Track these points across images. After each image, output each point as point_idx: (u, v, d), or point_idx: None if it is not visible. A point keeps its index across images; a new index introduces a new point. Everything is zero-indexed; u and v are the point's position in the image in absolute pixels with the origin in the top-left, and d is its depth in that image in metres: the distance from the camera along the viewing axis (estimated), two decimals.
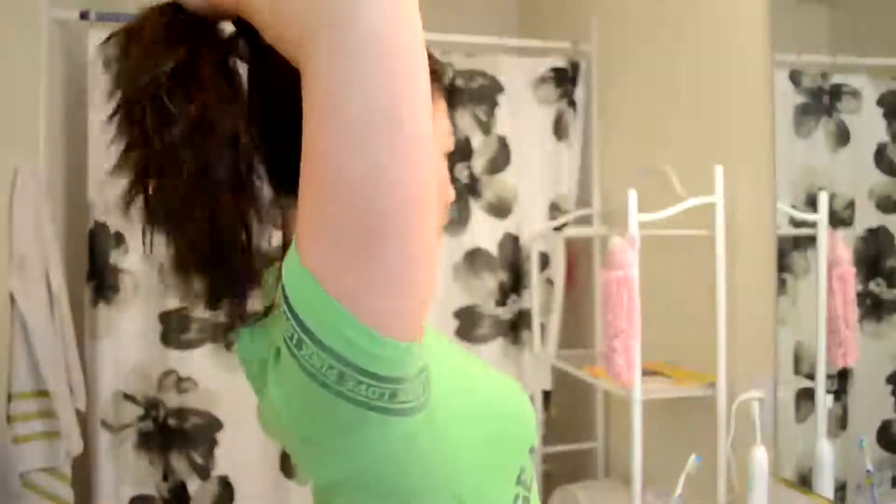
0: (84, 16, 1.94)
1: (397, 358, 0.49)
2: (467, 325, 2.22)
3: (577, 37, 2.30)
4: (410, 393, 0.52)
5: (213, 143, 0.53)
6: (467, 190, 2.22)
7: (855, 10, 1.36)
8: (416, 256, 0.48)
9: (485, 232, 2.23)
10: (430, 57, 0.66)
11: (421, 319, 0.51)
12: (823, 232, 1.37)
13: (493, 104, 2.24)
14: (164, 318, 1.98)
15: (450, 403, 0.59)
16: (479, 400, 0.65)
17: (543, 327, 2.24)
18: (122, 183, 0.61)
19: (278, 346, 0.53)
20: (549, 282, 2.29)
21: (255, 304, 0.64)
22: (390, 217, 0.46)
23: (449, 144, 0.73)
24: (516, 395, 0.71)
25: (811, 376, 1.41)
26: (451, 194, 0.75)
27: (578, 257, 2.34)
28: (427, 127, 0.47)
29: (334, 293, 0.47)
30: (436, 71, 0.67)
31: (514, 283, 2.27)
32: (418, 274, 0.48)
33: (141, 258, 1.97)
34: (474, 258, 2.23)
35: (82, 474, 1.95)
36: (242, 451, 1.99)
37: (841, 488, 1.34)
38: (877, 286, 1.30)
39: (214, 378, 1.99)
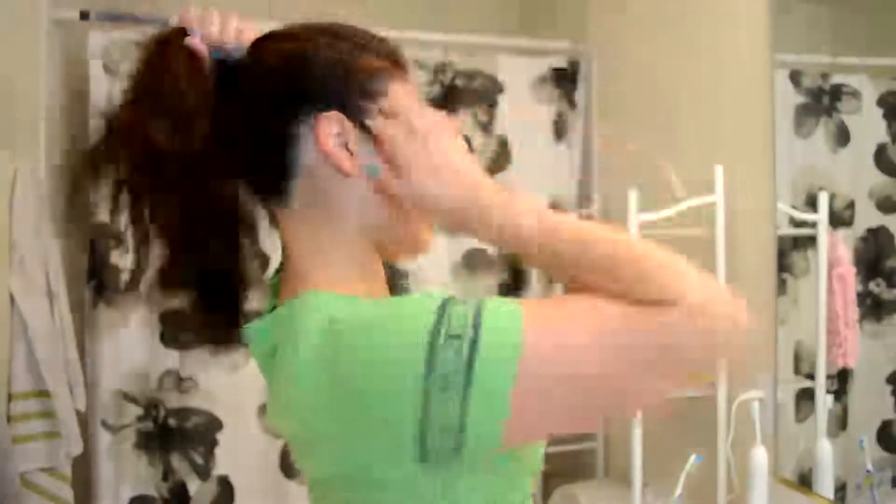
0: (84, 16, 1.93)
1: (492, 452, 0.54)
2: None
3: (577, 37, 2.29)
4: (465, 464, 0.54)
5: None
6: None
7: (855, 10, 1.36)
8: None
9: None
10: (389, 44, 0.67)
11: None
12: (823, 232, 1.37)
13: (493, 104, 2.23)
14: (164, 318, 1.98)
15: None
16: None
17: None
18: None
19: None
20: (550, 282, 2.29)
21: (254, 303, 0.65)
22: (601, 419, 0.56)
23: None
24: None
25: (811, 376, 1.41)
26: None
27: None
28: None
29: (514, 413, 0.50)
30: (398, 57, 0.68)
31: (514, 283, 2.27)
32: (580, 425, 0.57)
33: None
34: (474, 258, 2.23)
35: (82, 474, 1.95)
36: (242, 451, 1.99)
37: (841, 488, 1.34)
38: (877, 286, 1.30)
39: (214, 378, 1.99)
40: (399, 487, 0.54)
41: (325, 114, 0.60)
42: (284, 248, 0.67)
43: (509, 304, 0.53)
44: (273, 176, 0.63)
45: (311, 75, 0.62)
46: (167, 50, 0.61)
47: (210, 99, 0.61)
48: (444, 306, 0.52)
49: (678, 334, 0.54)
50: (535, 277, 2.22)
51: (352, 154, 0.61)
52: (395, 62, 0.66)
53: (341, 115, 0.61)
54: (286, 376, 0.58)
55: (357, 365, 0.53)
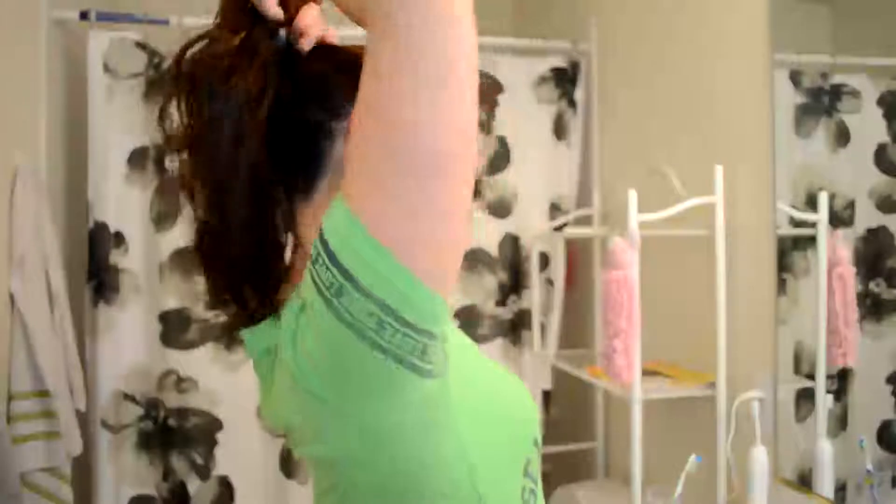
0: (84, 16, 1.94)
1: (430, 309, 0.52)
2: (467, 324, 2.22)
3: (577, 37, 2.30)
4: (436, 354, 0.54)
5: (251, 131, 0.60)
6: None
7: (855, 10, 1.36)
8: (458, 204, 0.52)
9: (485, 232, 2.23)
10: None
11: (453, 275, 0.54)
12: (823, 232, 1.37)
13: (493, 104, 2.24)
14: (164, 318, 1.98)
15: (462, 396, 0.60)
16: (486, 386, 0.67)
17: (543, 327, 2.24)
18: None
19: (303, 302, 0.55)
20: (549, 282, 2.29)
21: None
22: (443, 158, 0.50)
23: None
24: (519, 388, 0.72)
25: (811, 376, 1.41)
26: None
27: (578, 257, 2.34)
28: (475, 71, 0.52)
29: (383, 238, 0.50)
30: None
31: (514, 283, 2.27)
32: (458, 223, 0.52)
33: (141, 258, 1.97)
34: (474, 258, 2.23)
35: (82, 474, 1.95)
36: (242, 451, 1.99)
37: (841, 488, 1.34)
38: (877, 286, 1.30)
39: (214, 378, 1.99)
40: (404, 417, 0.56)
41: None
42: (299, 244, 0.67)
43: (336, 200, 0.54)
44: (305, 165, 0.64)
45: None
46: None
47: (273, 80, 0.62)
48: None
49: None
50: (535, 277, 2.22)
51: None
52: None
53: None
54: (287, 357, 0.58)
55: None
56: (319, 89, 0.64)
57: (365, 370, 0.52)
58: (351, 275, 0.50)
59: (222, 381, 1.99)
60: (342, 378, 0.54)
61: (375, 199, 0.50)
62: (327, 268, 0.51)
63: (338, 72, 0.65)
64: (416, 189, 0.50)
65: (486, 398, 0.64)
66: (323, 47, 0.67)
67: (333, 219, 0.52)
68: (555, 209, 2.31)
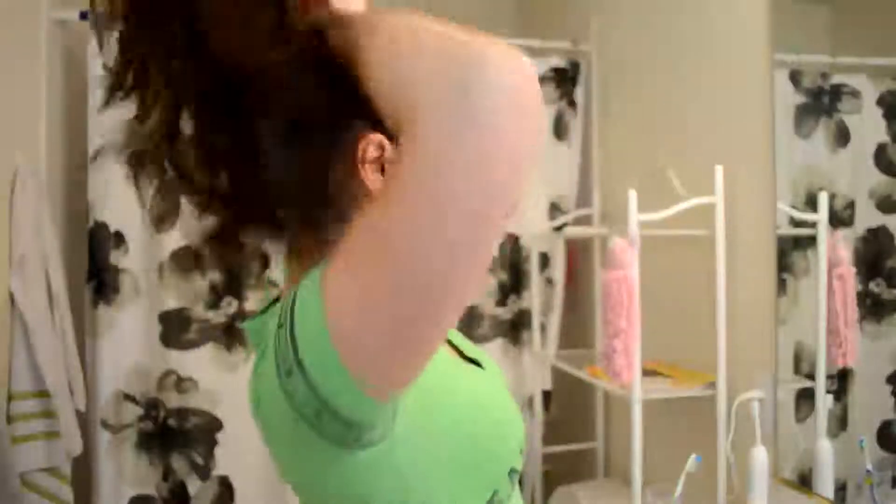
0: (84, 16, 1.94)
1: (375, 412, 0.50)
2: (467, 324, 2.22)
3: (577, 37, 2.30)
4: (380, 430, 0.52)
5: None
6: None
7: (855, 10, 1.36)
8: (435, 341, 0.49)
9: None
10: None
11: (408, 384, 0.51)
12: (823, 232, 1.37)
13: None
14: (164, 318, 1.98)
15: (413, 430, 0.57)
16: (451, 427, 0.60)
17: (543, 327, 2.24)
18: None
19: (265, 348, 0.54)
20: (549, 282, 2.29)
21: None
22: (438, 305, 0.47)
23: None
24: (502, 420, 0.66)
25: (811, 376, 1.41)
26: None
27: (578, 257, 2.34)
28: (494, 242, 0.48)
29: (344, 359, 0.47)
30: None
31: (514, 283, 2.27)
32: (430, 353, 0.49)
33: (141, 258, 1.97)
34: None
35: (82, 474, 1.95)
36: (242, 451, 1.99)
37: (841, 488, 1.34)
38: (877, 286, 1.30)
39: (214, 378, 1.99)
40: (356, 477, 0.54)
41: (367, 136, 0.56)
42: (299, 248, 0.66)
43: (315, 279, 0.50)
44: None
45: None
46: None
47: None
48: (286, 298, 0.52)
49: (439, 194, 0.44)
50: (535, 277, 2.22)
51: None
52: None
53: (383, 140, 0.57)
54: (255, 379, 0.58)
55: None
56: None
57: (302, 438, 0.52)
58: (303, 364, 0.48)
59: (222, 381, 1.99)
60: (284, 434, 0.54)
61: (349, 302, 0.47)
62: (287, 340, 0.49)
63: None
64: (392, 317, 0.47)
65: (447, 432, 0.59)
66: None
67: (307, 292, 0.49)
68: (555, 209, 2.31)
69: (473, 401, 0.64)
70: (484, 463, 0.62)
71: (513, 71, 0.46)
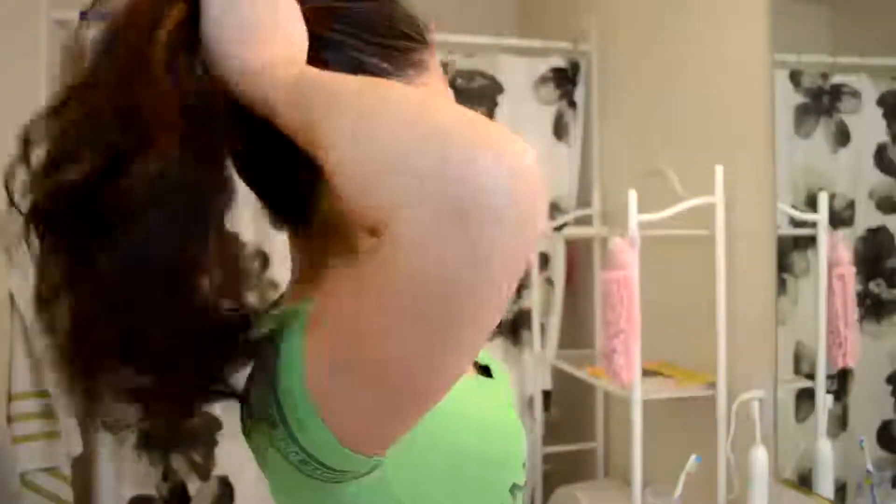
0: (84, 16, 1.94)
1: (364, 464, 0.49)
2: None
3: (577, 37, 2.30)
4: (360, 472, 0.51)
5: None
6: None
7: (855, 10, 1.36)
8: (420, 412, 0.47)
9: None
10: (409, 27, 0.58)
11: (396, 437, 0.49)
12: (823, 232, 1.37)
13: (493, 104, 2.24)
14: None
15: (402, 459, 0.55)
16: (442, 452, 0.58)
17: (543, 327, 2.24)
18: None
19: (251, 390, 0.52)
20: (549, 282, 2.29)
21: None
22: (414, 400, 0.45)
23: None
24: (504, 435, 0.64)
25: (811, 376, 1.41)
26: None
27: (578, 257, 2.34)
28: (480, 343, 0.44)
29: (327, 422, 0.45)
30: (419, 40, 0.59)
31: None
32: (414, 422, 0.47)
33: None
34: None
35: (82, 474, 1.95)
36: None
37: (841, 488, 1.34)
38: (877, 286, 1.30)
39: None
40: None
41: None
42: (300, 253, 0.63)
43: (299, 334, 0.47)
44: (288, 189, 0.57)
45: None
46: None
47: None
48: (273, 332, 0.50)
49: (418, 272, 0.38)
50: (535, 277, 2.22)
51: None
52: (419, 42, 0.58)
53: None
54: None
55: None
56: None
57: (290, 477, 0.51)
58: (287, 420, 0.47)
59: None
60: (271, 473, 0.53)
61: (327, 371, 0.45)
62: (268, 391, 0.48)
63: None
64: (372, 400, 0.44)
65: (445, 451, 0.58)
66: None
67: (288, 354, 0.47)
68: (555, 209, 2.31)
69: (477, 423, 0.61)
70: (486, 481, 0.61)
71: (514, 174, 0.38)
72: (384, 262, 0.38)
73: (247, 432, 0.56)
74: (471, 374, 0.69)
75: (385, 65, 0.54)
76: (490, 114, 2.23)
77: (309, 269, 0.59)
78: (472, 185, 0.36)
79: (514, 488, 0.63)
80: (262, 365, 0.50)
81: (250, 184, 0.56)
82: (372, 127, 0.39)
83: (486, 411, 0.63)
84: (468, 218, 0.36)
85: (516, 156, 0.39)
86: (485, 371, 0.74)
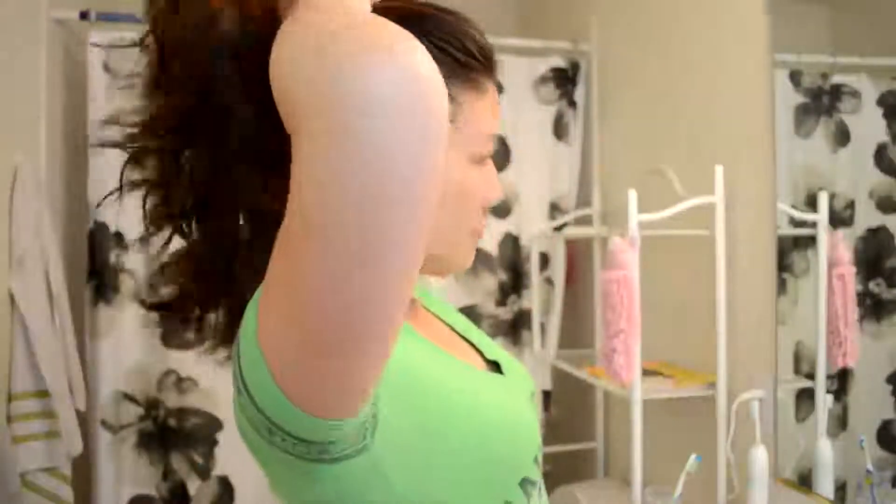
0: (84, 16, 1.94)
1: (326, 430, 0.47)
2: None
3: (577, 37, 2.30)
4: (344, 446, 0.49)
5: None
6: None
7: (855, 10, 1.36)
8: (371, 368, 0.45)
9: (485, 232, 2.23)
10: (475, 44, 0.63)
11: (364, 402, 0.48)
12: (823, 232, 1.37)
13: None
14: (164, 318, 1.98)
15: (415, 445, 0.55)
16: (452, 442, 0.59)
17: (543, 327, 2.24)
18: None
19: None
20: (549, 282, 2.29)
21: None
22: (351, 340, 0.43)
23: (486, 149, 0.66)
24: (514, 429, 0.64)
25: (811, 376, 1.41)
26: (482, 213, 0.70)
27: (578, 257, 2.34)
28: (415, 266, 0.43)
29: (276, 378, 0.45)
30: (480, 61, 0.63)
31: (514, 283, 2.27)
32: (366, 373, 0.46)
33: (141, 258, 1.97)
34: (475, 258, 2.22)
35: (82, 474, 1.95)
36: (242, 451, 1.95)
37: (841, 488, 1.34)
38: (877, 286, 1.30)
39: (214, 378, 1.99)
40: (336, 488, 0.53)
41: None
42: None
43: (254, 300, 0.48)
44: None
45: None
46: None
47: None
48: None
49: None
50: (535, 277, 2.22)
51: None
52: (480, 64, 0.63)
53: None
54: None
55: None
56: None
57: (271, 457, 0.51)
58: (245, 382, 0.47)
59: (222, 381, 1.99)
60: (258, 456, 0.53)
61: (278, 336, 0.44)
62: (235, 356, 0.48)
63: None
64: (303, 340, 0.43)
65: (451, 446, 0.58)
66: None
67: (247, 327, 0.47)
68: (555, 209, 2.31)
69: (486, 417, 0.62)
70: (493, 474, 0.61)
71: (402, 73, 0.38)
72: (295, 185, 0.40)
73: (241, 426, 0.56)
74: (480, 370, 0.70)
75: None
76: None
77: None
78: (359, 84, 0.37)
79: (524, 483, 0.63)
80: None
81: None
82: (288, 39, 0.42)
83: (491, 409, 0.63)
84: (354, 117, 0.37)
85: (404, 53, 0.39)
86: (495, 367, 0.74)
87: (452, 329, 0.75)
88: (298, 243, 0.41)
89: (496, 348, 0.77)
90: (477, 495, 0.59)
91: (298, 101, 0.40)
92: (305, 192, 0.40)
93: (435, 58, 0.47)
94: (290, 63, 0.41)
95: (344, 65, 0.38)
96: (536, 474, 0.65)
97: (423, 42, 0.43)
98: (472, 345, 0.75)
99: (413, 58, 0.39)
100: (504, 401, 0.66)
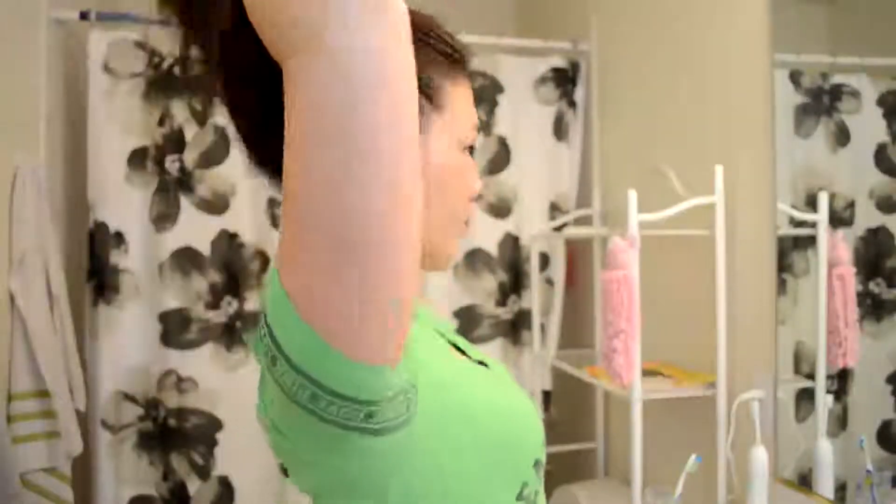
0: (84, 16, 1.94)
1: (370, 381, 0.47)
2: (467, 325, 2.22)
3: (577, 37, 2.30)
4: (389, 412, 0.50)
5: None
6: None
7: (855, 10, 1.36)
8: (390, 284, 0.46)
9: (485, 232, 2.23)
10: (451, 39, 0.68)
11: (398, 341, 0.48)
12: (823, 232, 1.37)
13: (493, 104, 2.24)
14: (164, 318, 1.98)
15: (442, 428, 0.57)
16: (475, 422, 0.62)
17: (543, 327, 2.24)
18: None
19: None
20: (549, 282, 2.29)
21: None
22: (364, 248, 0.44)
23: (470, 137, 0.70)
24: (519, 408, 0.68)
25: (811, 376, 1.41)
26: (470, 202, 0.71)
27: (578, 257, 2.34)
28: (411, 162, 0.45)
29: (306, 317, 0.45)
30: (456, 53, 0.69)
31: (514, 283, 2.27)
32: (393, 298, 0.46)
33: (141, 258, 1.97)
34: (474, 258, 2.23)
35: (82, 474, 1.95)
36: (242, 451, 1.99)
37: (841, 488, 1.34)
38: (877, 286, 1.30)
39: (214, 378, 1.99)
40: (362, 467, 0.53)
41: None
42: None
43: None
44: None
45: None
46: None
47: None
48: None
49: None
50: (535, 277, 2.22)
51: None
52: (453, 60, 0.68)
53: None
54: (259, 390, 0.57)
55: None
56: None
57: (310, 432, 0.50)
58: (280, 346, 0.47)
59: (222, 381, 1.99)
60: (293, 435, 0.52)
61: (297, 269, 0.45)
62: (264, 335, 0.48)
63: None
64: (338, 267, 0.44)
65: (471, 447, 0.60)
66: None
67: (271, 283, 0.48)
68: (555, 209, 2.31)
69: (492, 401, 0.65)
70: (510, 457, 0.63)
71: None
72: (289, 101, 0.43)
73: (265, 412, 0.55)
74: (475, 365, 0.72)
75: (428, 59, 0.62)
76: (490, 114, 2.24)
77: None
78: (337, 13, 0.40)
79: (536, 464, 0.66)
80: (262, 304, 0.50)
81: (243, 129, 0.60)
82: None
83: (500, 396, 0.67)
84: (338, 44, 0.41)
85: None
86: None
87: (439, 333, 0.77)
88: (298, 158, 0.43)
89: (477, 350, 0.80)
90: (499, 479, 0.62)
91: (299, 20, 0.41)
92: (300, 105, 0.42)
93: (423, 48, 0.49)
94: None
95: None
96: (544, 457, 0.68)
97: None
98: (460, 350, 0.76)
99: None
100: (505, 390, 0.69)
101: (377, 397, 0.48)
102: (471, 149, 0.71)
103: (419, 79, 0.53)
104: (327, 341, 0.45)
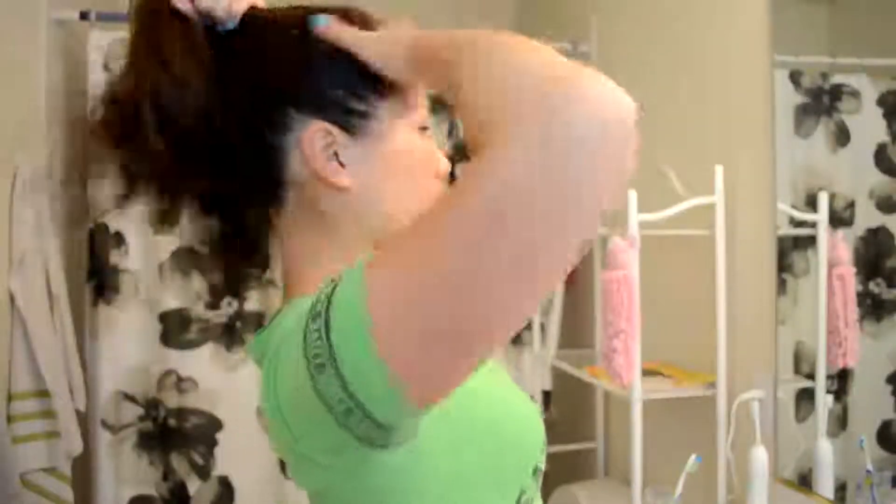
0: (84, 16, 1.94)
1: (408, 418, 0.50)
2: None
3: (577, 37, 2.29)
4: (403, 434, 0.51)
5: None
6: None
7: (855, 10, 1.36)
8: (478, 361, 0.48)
9: None
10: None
11: (446, 396, 0.50)
12: (823, 232, 1.37)
13: None
14: (164, 318, 1.98)
15: (439, 432, 0.57)
16: (476, 427, 0.61)
17: (543, 327, 2.24)
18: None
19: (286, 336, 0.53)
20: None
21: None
22: (477, 340, 0.46)
23: (424, 118, 0.68)
24: (521, 416, 0.67)
25: (811, 376, 1.41)
26: (437, 179, 0.70)
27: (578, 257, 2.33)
28: (557, 273, 0.48)
29: (385, 356, 0.46)
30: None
31: None
32: (472, 363, 0.48)
33: (141, 258, 1.97)
34: None
35: (82, 474, 1.95)
36: (242, 451, 1.99)
37: (841, 488, 1.34)
38: (877, 286, 1.30)
39: (214, 378, 1.99)
40: (370, 480, 0.54)
41: (309, 128, 0.59)
42: (282, 251, 0.66)
43: (358, 270, 0.48)
44: (260, 181, 0.62)
45: (294, 71, 0.60)
46: (154, 14, 0.60)
47: (204, 69, 0.58)
48: (322, 290, 0.50)
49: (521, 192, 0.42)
50: None
51: (344, 166, 0.60)
52: None
53: (327, 126, 0.59)
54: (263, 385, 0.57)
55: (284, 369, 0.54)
56: (251, 94, 0.60)
57: (328, 437, 0.50)
58: (337, 359, 0.47)
59: (222, 381, 1.99)
60: (309, 433, 0.52)
61: (396, 320, 0.46)
62: (320, 335, 0.48)
63: (279, 46, 0.60)
64: (437, 342, 0.46)
65: (469, 447, 0.60)
66: (253, 19, 0.61)
67: (347, 283, 0.48)
68: None
69: (494, 404, 0.64)
70: (509, 464, 0.63)
71: (606, 107, 0.44)
72: (475, 174, 0.44)
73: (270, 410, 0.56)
74: None
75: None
76: None
77: (296, 265, 0.65)
78: (573, 106, 0.42)
79: (535, 471, 0.65)
80: (318, 307, 0.50)
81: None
82: (492, 65, 0.49)
83: (501, 398, 0.66)
84: (560, 132, 0.42)
85: (617, 100, 0.45)
86: None
87: None
88: (466, 232, 0.44)
89: None
90: (496, 484, 0.61)
91: (507, 108, 0.44)
92: (494, 180, 0.43)
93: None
94: (505, 78, 0.46)
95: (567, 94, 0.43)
96: (543, 464, 0.68)
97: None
98: None
99: (627, 102, 0.45)
100: (507, 392, 0.69)
101: (405, 428, 0.51)
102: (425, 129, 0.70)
103: (380, 80, 0.59)
104: (392, 385, 0.46)
